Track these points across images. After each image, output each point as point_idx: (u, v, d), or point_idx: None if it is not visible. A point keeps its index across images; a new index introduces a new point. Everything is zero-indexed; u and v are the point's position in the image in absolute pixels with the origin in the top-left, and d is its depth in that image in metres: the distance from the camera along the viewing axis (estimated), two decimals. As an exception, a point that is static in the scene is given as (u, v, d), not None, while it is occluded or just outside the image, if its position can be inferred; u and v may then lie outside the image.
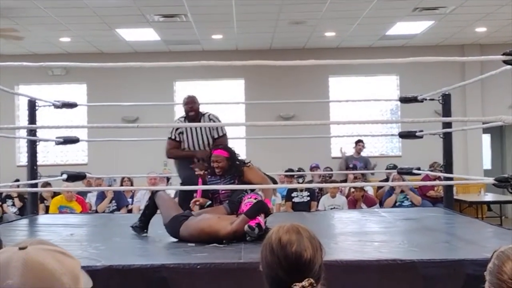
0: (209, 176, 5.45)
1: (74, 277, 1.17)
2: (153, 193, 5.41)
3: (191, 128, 5.93)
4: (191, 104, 5.96)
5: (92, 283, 1.27)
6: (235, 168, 5.34)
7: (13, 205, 10.29)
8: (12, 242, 4.67)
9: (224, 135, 6.00)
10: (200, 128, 5.92)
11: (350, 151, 11.83)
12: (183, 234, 4.77)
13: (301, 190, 9.31)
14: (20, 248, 1.16)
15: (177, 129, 6.00)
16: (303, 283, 1.82)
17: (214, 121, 6.03)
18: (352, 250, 4.39)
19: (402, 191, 9.15)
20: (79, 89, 12.51)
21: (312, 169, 10.97)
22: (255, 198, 5.02)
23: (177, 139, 5.97)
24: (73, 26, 10.14)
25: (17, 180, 8.57)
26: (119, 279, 3.69)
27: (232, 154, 5.38)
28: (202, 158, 5.73)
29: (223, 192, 5.32)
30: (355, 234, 5.42)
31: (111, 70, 11.99)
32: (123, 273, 3.72)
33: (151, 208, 5.35)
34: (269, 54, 12.05)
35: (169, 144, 6.02)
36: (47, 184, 8.93)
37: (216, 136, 5.94)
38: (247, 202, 4.95)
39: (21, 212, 9.60)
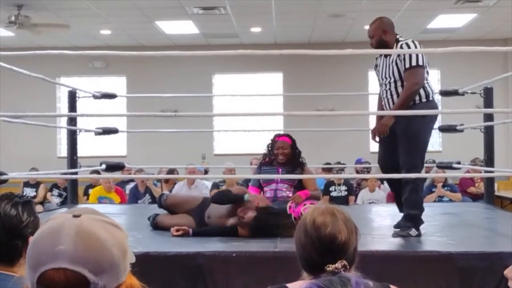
0: (264, 167, 5.36)
1: (123, 249, 1.20)
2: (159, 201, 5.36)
3: (383, 56, 4.66)
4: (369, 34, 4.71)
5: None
6: (296, 160, 5.29)
7: (58, 195, 10.50)
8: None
9: (417, 66, 4.44)
10: (389, 56, 4.60)
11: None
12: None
13: (339, 185, 9.25)
14: (74, 216, 1.18)
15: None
16: (336, 264, 1.81)
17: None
18: (389, 242, 4.35)
19: (439, 196, 8.99)
20: (119, 82, 12.67)
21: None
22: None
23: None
24: (114, 19, 10.26)
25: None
26: (155, 266, 3.72)
27: (294, 143, 5.34)
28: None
29: (282, 189, 5.22)
30: (392, 227, 5.36)
31: (150, 63, 12.12)
32: (159, 260, 3.75)
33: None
34: (308, 47, 11.81)
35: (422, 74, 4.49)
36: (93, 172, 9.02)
37: (407, 66, 4.44)
38: (307, 207, 4.80)
39: (63, 203, 9.78)
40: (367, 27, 10.72)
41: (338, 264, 1.81)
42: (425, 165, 9.77)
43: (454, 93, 6.85)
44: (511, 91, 11.92)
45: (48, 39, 11.11)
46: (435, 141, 12.54)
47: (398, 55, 4.49)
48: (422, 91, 4.50)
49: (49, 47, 11.37)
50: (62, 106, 12.42)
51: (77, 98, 6.81)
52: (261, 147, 5.74)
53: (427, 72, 4.57)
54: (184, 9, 9.59)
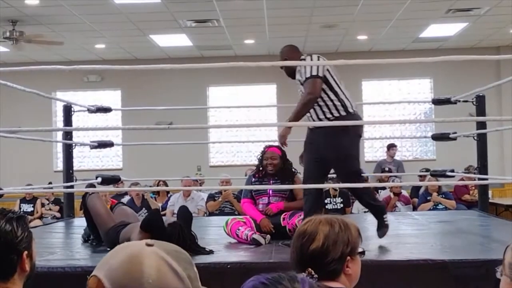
0: (253, 179, 5.28)
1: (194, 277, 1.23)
2: (84, 197, 5.12)
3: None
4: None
5: None
6: (286, 171, 5.24)
7: (51, 209, 10.51)
8: (49, 244, 4.69)
9: (310, 77, 4.63)
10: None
11: (382, 155, 11.76)
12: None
13: (334, 196, 9.18)
14: (148, 245, 1.19)
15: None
16: (301, 274, 1.84)
17: None
18: (383, 251, 4.37)
19: (434, 204, 8.99)
20: (113, 96, 12.70)
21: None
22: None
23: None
24: (108, 33, 10.30)
25: (50, 183, 8.73)
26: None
27: (284, 154, 5.25)
28: None
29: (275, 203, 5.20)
30: (387, 236, 5.37)
31: (145, 77, 12.15)
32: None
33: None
34: (301, 58, 12.05)
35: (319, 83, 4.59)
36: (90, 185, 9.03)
37: (304, 78, 4.68)
38: (301, 219, 4.76)
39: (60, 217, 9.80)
40: (359, 37, 10.81)
41: (304, 274, 1.84)
42: (419, 173, 9.90)
43: (447, 101, 6.88)
44: (504, 99, 11.97)
45: (43, 54, 11.15)
46: (429, 150, 12.59)
47: (299, 73, 4.63)
48: (331, 107, 4.72)
49: (44, 61, 11.44)
50: (59, 120, 12.43)
51: (72, 112, 6.84)
52: (256, 158, 5.72)
53: (338, 87, 4.77)
54: (177, 22, 9.64)
